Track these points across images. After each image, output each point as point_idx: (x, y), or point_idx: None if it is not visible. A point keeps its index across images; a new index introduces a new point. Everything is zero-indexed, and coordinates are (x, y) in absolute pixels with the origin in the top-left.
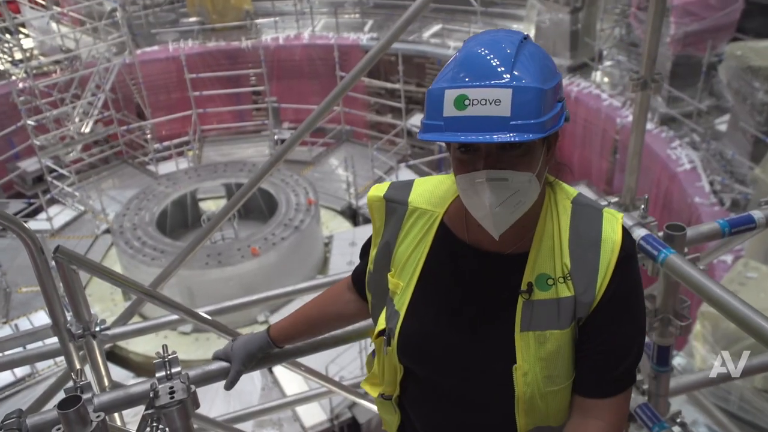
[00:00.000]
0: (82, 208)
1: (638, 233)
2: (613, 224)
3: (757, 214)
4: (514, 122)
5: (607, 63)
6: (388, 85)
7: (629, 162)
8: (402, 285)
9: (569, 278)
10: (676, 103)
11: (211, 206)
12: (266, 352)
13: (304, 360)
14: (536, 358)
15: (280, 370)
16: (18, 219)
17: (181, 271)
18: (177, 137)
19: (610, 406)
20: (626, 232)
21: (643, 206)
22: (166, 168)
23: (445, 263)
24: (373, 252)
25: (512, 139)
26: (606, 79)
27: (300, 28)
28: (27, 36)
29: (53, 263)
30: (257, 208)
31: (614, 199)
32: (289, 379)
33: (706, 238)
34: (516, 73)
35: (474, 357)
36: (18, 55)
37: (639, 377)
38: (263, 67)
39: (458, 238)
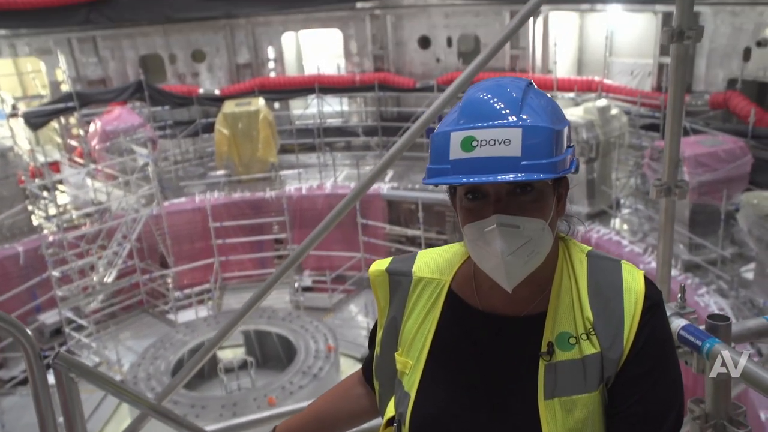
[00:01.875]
0: (97, 359)
1: (677, 323)
2: (634, 274)
3: None
4: (525, 162)
5: (626, 211)
6: (409, 231)
7: (659, 272)
8: (411, 363)
9: (593, 333)
10: (699, 251)
11: (228, 354)
12: None
13: None
14: (564, 429)
15: None
16: (16, 320)
17: (196, 422)
18: (198, 285)
19: None
20: (649, 282)
21: (680, 295)
22: (185, 316)
23: (456, 334)
24: (379, 334)
25: (525, 178)
26: (625, 226)
27: (323, 179)
28: (63, 192)
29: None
30: (275, 356)
31: None
32: None
33: (753, 334)
34: (524, 115)
35: None
36: (52, 210)
37: None
38: (286, 216)
39: (469, 305)
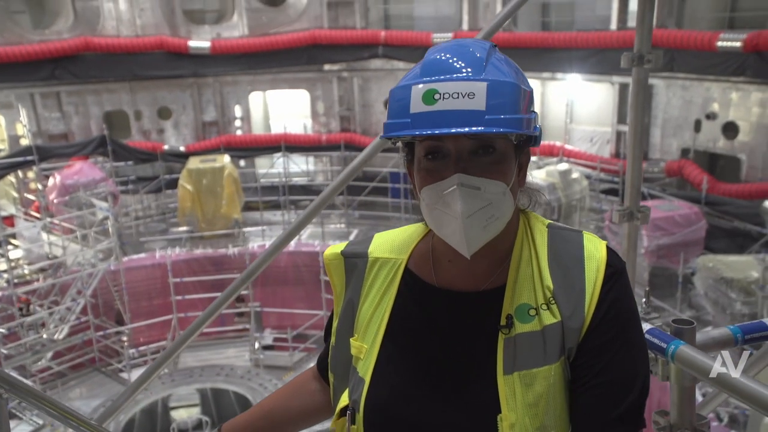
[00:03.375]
0: (40, 422)
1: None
2: (595, 243)
3: None
4: (489, 117)
5: None
6: None
7: None
8: (366, 347)
9: (553, 302)
10: (658, 313)
11: (183, 414)
12: None
13: None
14: (524, 405)
15: None
16: None
17: None
18: (155, 342)
19: None
20: (612, 251)
21: (644, 300)
22: (139, 375)
23: (413, 313)
24: (335, 323)
25: (489, 131)
26: None
27: None
28: (16, 247)
29: None
30: (232, 415)
31: None
32: None
33: (717, 343)
34: (488, 73)
35: (454, 415)
36: (2, 266)
37: None
38: None
39: (426, 282)
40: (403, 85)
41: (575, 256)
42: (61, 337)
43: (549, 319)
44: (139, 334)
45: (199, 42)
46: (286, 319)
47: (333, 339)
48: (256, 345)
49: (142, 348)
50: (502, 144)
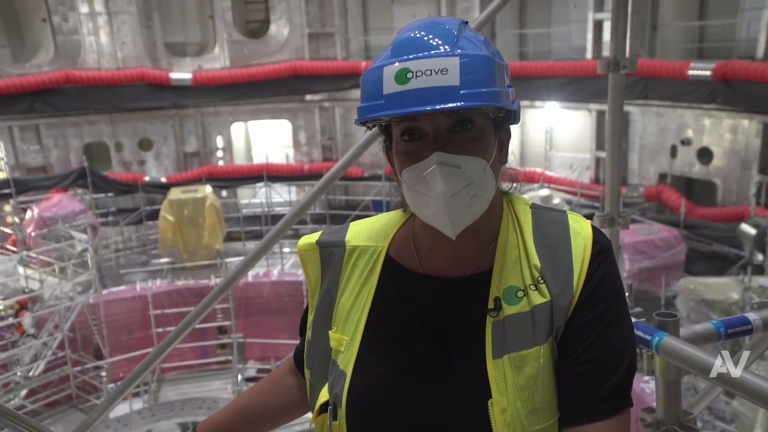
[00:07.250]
0: None
1: None
2: (580, 222)
3: (751, 315)
4: (464, 91)
5: None
6: None
7: None
8: (346, 339)
9: (541, 281)
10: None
11: None
12: None
13: None
14: (515, 389)
15: None
16: None
17: None
18: None
19: None
20: (597, 229)
21: (626, 294)
22: (119, 410)
23: (396, 301)
24: (310, 317)
25: (465, 105)
26: None
27: (270, 267)
28: None
29: None
30: None
31: None
32: None
33: (700, 337)
34: (461, 47)
35: (442, 403)
36: None
37: None
38: (231, 303)
39: (409, 269)
40: (374, 66)
41: (561, 235)
42: (36, 373)
43: (538, 299)
44: (118, 368)
45: (181, 74)
46: (269, 350)
47: (309, 333)
48: (239, 377)
49: (120, 383)
50: (480, 120)
